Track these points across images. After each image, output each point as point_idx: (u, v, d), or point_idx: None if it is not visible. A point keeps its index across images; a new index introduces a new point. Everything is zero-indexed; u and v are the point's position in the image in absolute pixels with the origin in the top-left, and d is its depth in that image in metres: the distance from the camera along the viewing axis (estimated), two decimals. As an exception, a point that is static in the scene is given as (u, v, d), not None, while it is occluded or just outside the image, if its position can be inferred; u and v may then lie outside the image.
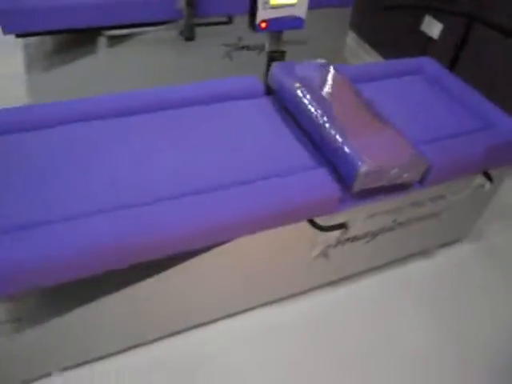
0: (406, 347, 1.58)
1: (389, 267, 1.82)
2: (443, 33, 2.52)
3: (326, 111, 1.37)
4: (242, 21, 2.32)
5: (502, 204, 2.17)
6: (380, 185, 1.30)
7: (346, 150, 1.27)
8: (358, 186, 1.27)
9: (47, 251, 1.01)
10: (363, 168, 1.23)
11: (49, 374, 1.37)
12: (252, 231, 1.23)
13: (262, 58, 2.45)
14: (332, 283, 1.72)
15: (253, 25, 1.59)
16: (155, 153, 1.31)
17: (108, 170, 1.24)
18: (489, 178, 1.58)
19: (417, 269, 1.84)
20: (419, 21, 2.66)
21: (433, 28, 2.58)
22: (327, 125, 1.33)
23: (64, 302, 1.23)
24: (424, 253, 1.89)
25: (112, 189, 1.18)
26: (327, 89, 1.48)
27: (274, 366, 1.48)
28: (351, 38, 3.16)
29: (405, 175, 1.31)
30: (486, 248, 1.96)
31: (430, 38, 2.62)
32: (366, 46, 3.13)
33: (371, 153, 1.26)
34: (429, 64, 1.85)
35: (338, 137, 1.30)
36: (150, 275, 1.22)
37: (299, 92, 1.45)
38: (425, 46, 2.67)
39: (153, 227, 1.09)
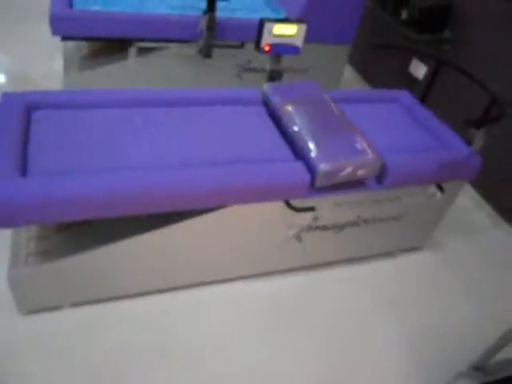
0: (361, 331, 1.86)
1: (355, 263, 2.12)
2: (427, 75, 2.90)
3: (301, 124, 1.70)
4: (252, 46, 2.72)
5: (459, 220, 2.50)
6: (340, 180, 1.62)
7: (311, 153, 1.60)
8: (319, 182, 1.60)
9: (85, 190, 1.33)
10: (321, 168, 1.56)
11: (60, 307, 1.67)
12: (240, 201, 1.55)
13: (265, 79, 2.83)
14: (302, 268, 2.02)
15: (258, 47, 1.96)
16: (171, 135, 1.65)
17: (133, 143, 1.57)
18: (440, 188, 1.90)
19: (380, 267, 2.14)
20: (408, 62, 3.05)
21: (419, 70, 2.96)
22: (300, 132, 1.67)
23: (85, 241, 1.55)
24: (387, 255, 2.19)
25: (139, 153, 1.52)
26: (306, 103, 1.81)
27: (233, 330, 1.77)
28: (348, 72, 3.56)
29: (361, 172, 1.63)
30: (442, 256, 2.26)
31: (415, 79, 3.00)
32: (361, 80, 3.52)
33: (331, 155, 1.59)
34: (404, 95, 2.21)
35: (306, 142, 1.64)
36: (156, 227, 1.54)
37: (283, 107, 1.80)
38: (411, 84, 3.05)
39: (163, 184, 1.41)
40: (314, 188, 1.64)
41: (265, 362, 1.66)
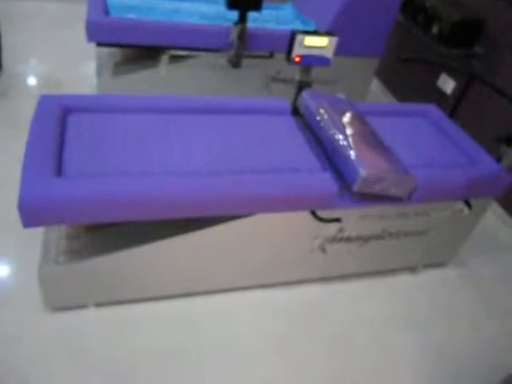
0: (381, 343, 1.84)
1: (376, 276, 2.11)
2: (455, 90, 2.88)
3: (340, 130, 1.72)
4: (281, 57, 2.76)
5: (485, 237, 2.46)
6: (374, 191, 1.62)
7: (353, 158, 1.60)
8: (357, 187, 1.59)
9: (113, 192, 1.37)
10: (364, 173, 1.56)
11: (85, 306, 1.70)
12: (267, 209, 1.56)
13: (294, 90, 2.86)
14: (323, 279, 2.02)
15: (289, 58, 1.98)
16: (200, 142, 1.68)
17: (163, 148, 1.61)
18: (468, 205, 1.88)
19: (402, 282, 2.12)
20: (436, 77, 3.03)
21: (447, 85, 2.94)
22: (340, 140, 1.68)
23: (113, 242, 1.58)
24: (410, 269, 2.17)
25: (169, 159, 1.55)
26: (342, 114, 1.83)
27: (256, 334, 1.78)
28: (375, 85, 3.56)
29: (394, 189, 1.63)
30: (466, 274, 2.22)
31: (443, 93, 2.98)
32: (388, 94, 3.51)
33: (371, 164, 1.59)
34: (432, 110, 2.19)
35: (347, 149, 1.64)
36: (182, 232, 1.57)
37: (320, 112, 1.81)
38: (439, 99, 3.03)
39: (190, 190, 1.44)
40: (343, 197, 1.64)
41: (278, 372, 1.66)
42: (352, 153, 1.62)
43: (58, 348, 1.57)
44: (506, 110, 2.51)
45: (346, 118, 1.82)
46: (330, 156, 1.75)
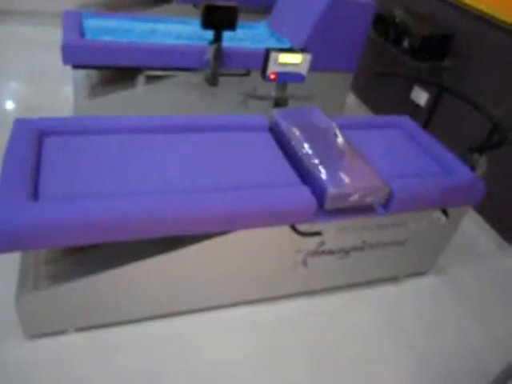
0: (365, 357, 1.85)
1: (358, 287, 2.12)
2: (428, 102, 2.95)
3: (310, 149, 1.74)
4: (257, 75, 2.80)
5: (464, 245, 2.50)
6: (348, 205, 1.64)
7: (321, 176, 1.63)
8: (328, 205, 1.62)
9: (89, 215, 1.36)
10: (332, 191, 1.58)
11: (65, 332, 1.67)
12: (247, 226, 1.56)
13: (270, 106, 2.90)
14: (306, 293, 2.02)
15: (264, 75, 2.01)
16: (178, 161, 1.68)
17: (142, 168, 1.61)
18: (445, 213, 1.92)
19: (384, 292, 2.13)
20: (409, 90, 3.11)
21: (420, 97, 3.02)
22: (309, 158, 1.70)
23: (93, 265, 1.56)
24: (391, 279, 2.19)
25: (148, 178, 1.55)
26: (311, 129, 1.86)
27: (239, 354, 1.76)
28: (351, 99, 3.62)
29: (368, 198, 1.65)
30: (447, 281, 2.25)
31: (417, 105, 3.05)
32: (364, 107, 3.58)
33: (340, 180, 1.62)
34: (406, 121, 2.25)
35: (315, 166, 1.67)
36: (163, 251, 1.56)
37: (288, 132, 1.84)
38: (413, 111, 3.10)
39: (167, 209, 1.44)
40: (322, 211, 1.66)
41: (271, 389, 1.65)
42: (321, 171, 1.65)
43: (38, 376, 1.53)
44: (478, 119, 2.59)
45: (316, 134, 1.84)
46: (302, 172, 1.77)
